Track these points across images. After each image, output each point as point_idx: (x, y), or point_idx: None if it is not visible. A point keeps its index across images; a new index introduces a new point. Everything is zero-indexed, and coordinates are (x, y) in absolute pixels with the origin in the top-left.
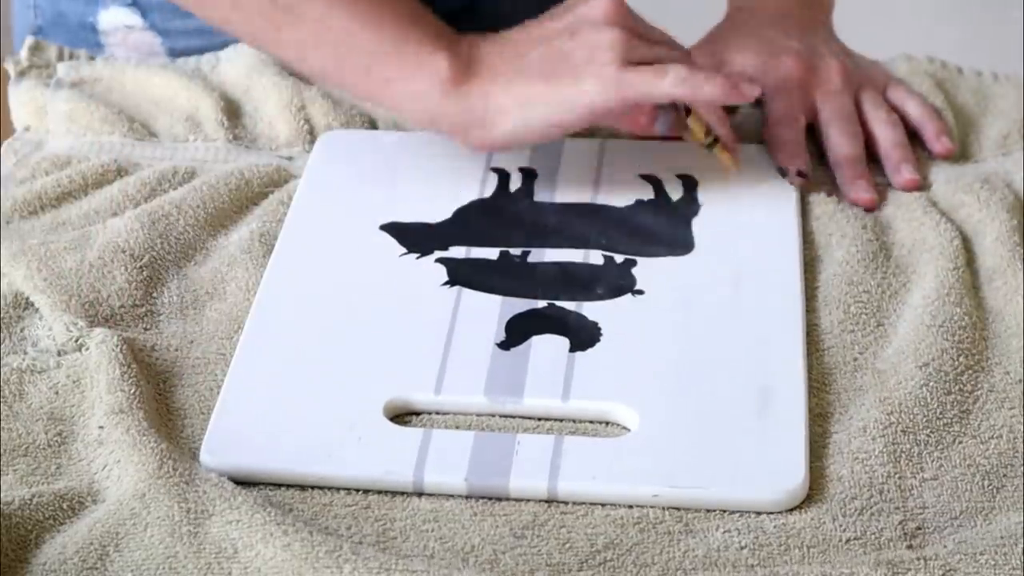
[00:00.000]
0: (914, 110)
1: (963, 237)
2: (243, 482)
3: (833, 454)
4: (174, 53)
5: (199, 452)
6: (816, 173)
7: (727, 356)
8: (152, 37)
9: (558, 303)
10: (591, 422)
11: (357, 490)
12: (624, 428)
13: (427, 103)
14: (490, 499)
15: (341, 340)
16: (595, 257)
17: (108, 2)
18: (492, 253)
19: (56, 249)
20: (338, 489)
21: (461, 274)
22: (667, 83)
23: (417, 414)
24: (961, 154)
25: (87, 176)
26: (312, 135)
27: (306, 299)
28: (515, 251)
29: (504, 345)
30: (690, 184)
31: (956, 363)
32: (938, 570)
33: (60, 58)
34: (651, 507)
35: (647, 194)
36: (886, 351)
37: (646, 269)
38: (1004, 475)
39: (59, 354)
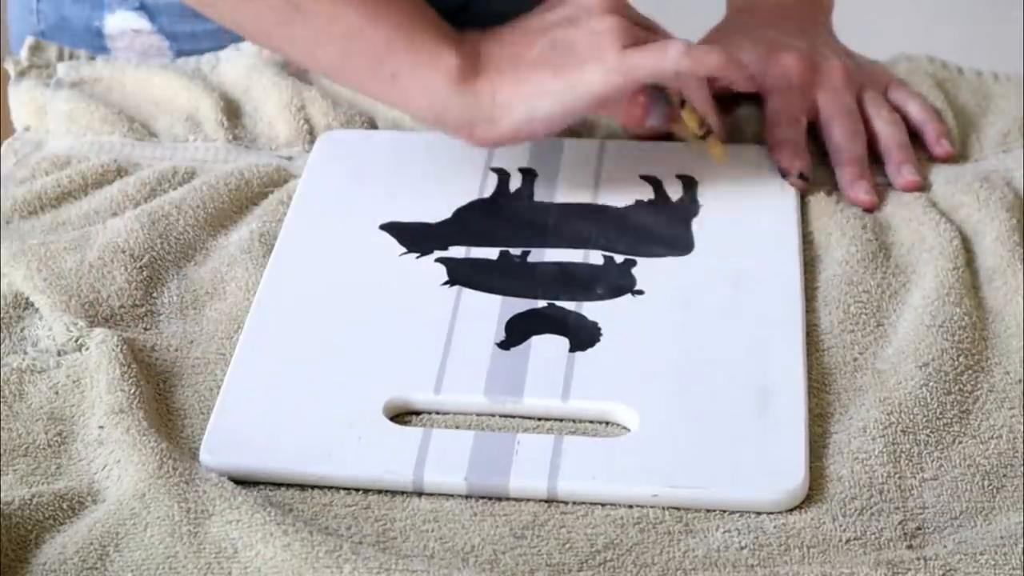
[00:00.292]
0: (915, 111)
1: (963, 237)
2: (243, 482)
3: (833, 454)
4: (182, 57)
5: (199, 452)
6: (816, 173)
7: (727, 356)
8: (160, 41)
9: (558, 303)
10: (591, 422)
11: (357, 490)
12: (624, 428)
13: (435, 99)
14: (490, 499)
15: (341, 340)
16: (595, 257)
17: (115, 6)
18: (492, 253)
19: (56, 249)
20: (338, 489)
21: (461, 274)
22: (670, 58)
23: (417, 414)
24: (961, 154)
25: (87, 176)
26: (312, 135)
27: (306, 299)
28: (515, 251)
29: (504, 345)
30: (690, 184)
31: (956, 363)
32: (938, 570)
33: (60, 58)
34: (651, 507)
35: (647, 194)
36: (886, 351)
37: (646, 269)
38: (1004, 475)
39: (59, 354)
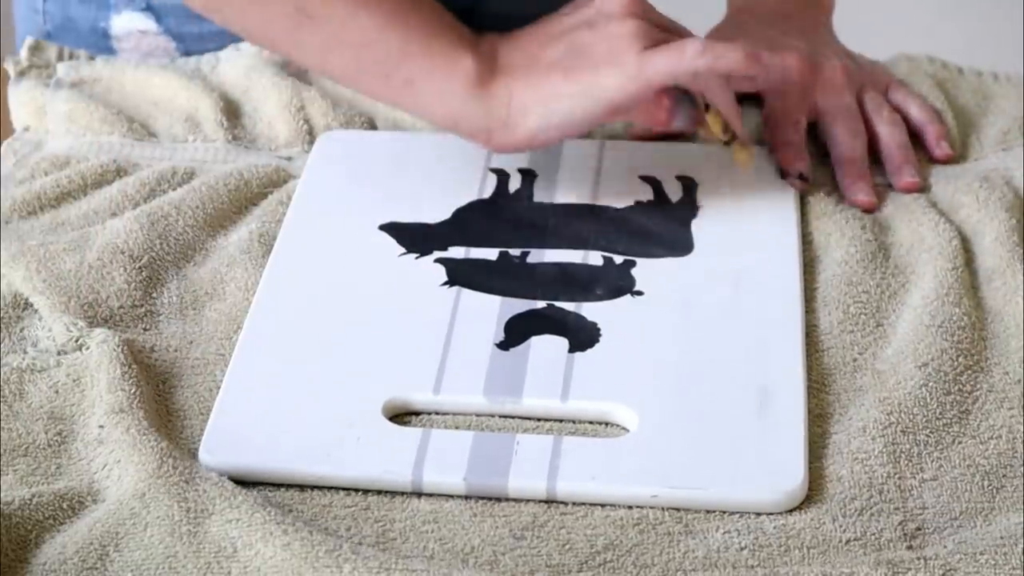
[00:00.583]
0: (915, 112)
1: (962, 237)
2: (242, 482)
3: (833, 454)
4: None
5: (198, 452)
6: (816, 173)
7: (726, 357)
8: (166, 42)
9: (557, 304)
10: (590, 422)
11: (356, 491)
12: (623, 428)
13: (451, 104)
14: (489, 500)
15: (340, 340)
16: (594, 258)
17: (121, 7)
18: (491, 253)
19: (55, 250)
20: (338, 490)
21: (460, 274)
22: (688, 57)
23: (416, 414)
24: (961, 155)
25: (86, 176)
26: (311, 135)
27: (305, 299)
28: (514, 251)
29: (503, 345)
30: (689, 185)
31: (955, 363)
32: (938, 570)
33: (60, 58)
34: (651, 508)
35: (647, 195)
36: (885, 351)
37: (645, 270)
38: (1004, 475)
39: (59, 353)
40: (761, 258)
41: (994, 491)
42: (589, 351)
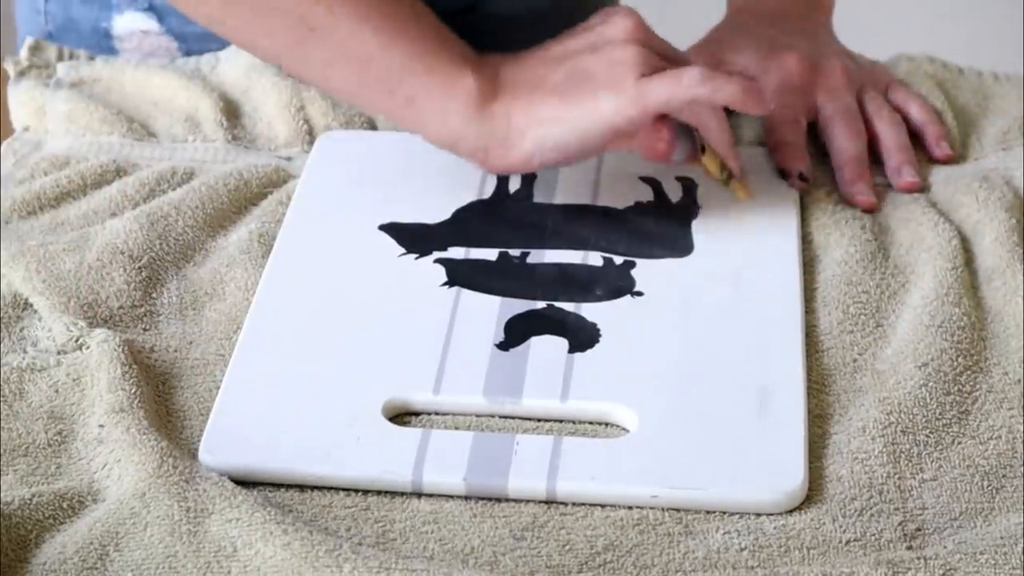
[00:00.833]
0: (916, 112)
1: (962, 237)
2: (242, 482)
3: (832, 455)
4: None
5: (198, 453)
6: (816, 173)
7: (726, 357)
8: (169, 42)
9: (557, 304)
10: (590, 423)
11: (356, 491)
12: (623, 429)
13: (451, 124)
14: (489, 500)
15: (340, 340)
16: (594, 258)
17: (123, 7)
18: (491, 254)
19: (55, 250)
20: (337, 490)
21: (460, 275)
22: (685, 85)
23: (416, 414)
24: (961, 155)
25: (86, 176)
26: (311, 135)
27: (305, 299)
28: (514, 252)
29: (503, 346)
30: (689, 186)
31: (955, 363)
32: (938, 570)
33: (60, 58)
34: (651, 508)
35: (646, 196)
36: (885, 352)
37: (645, 271)
38: (1003, 476)
39: (59, 353)
40: (761, 258)
41: (994, 491)
42: (589, 351)
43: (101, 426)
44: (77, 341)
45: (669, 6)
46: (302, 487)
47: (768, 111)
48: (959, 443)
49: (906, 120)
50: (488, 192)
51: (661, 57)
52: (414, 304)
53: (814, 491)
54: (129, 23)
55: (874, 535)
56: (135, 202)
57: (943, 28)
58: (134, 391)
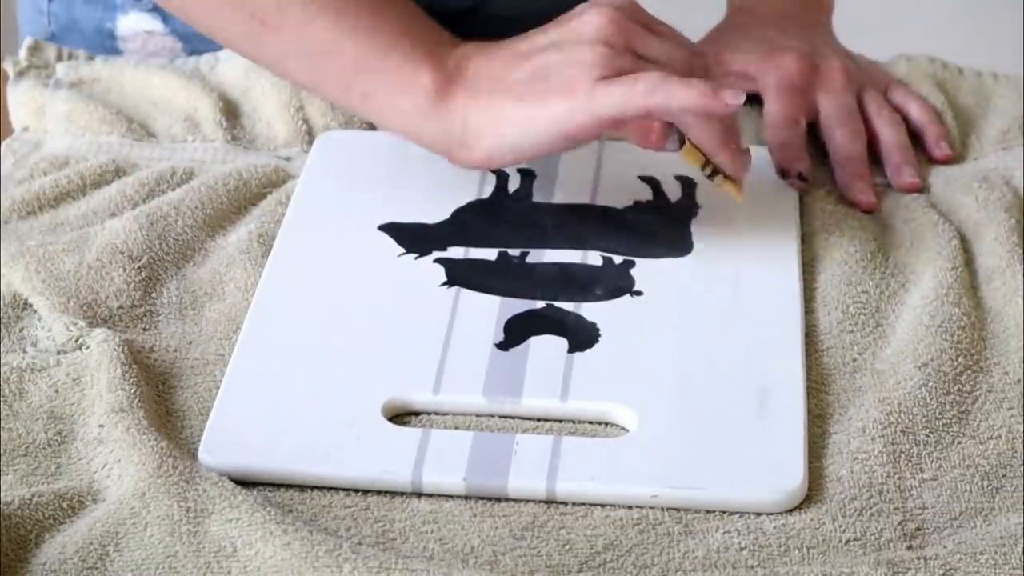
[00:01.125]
0: (915, 112)
1: (962, 237)
2: (242, 482)
3: (832, 455)
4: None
5: (198, 453)
6: (816, 173)
7: (726, 357)
8: (173, 42)
9: (556, 304)
10: (590, 423)
11: (356, 491)
12: (623, 429)
13: (407, 121)
14: (489, 500)
15: (339, 340)
16: (594, 258)
17: (127, 7)
18: (491, 254)
19: (54, 250)
20: (337, 490)
21: (459, 274)
22: (637, 93)
23: (416, 414)
24: (961, 155)
25: (85, 176)
26: (310, 135)
27: (304, 299)
28: (514, 252)
29: (503, 345)
30: (689, 185)
31: (955, 363)
32: (938, 570)
33: (59, 58)
34: (650, 508)
35: (646, 195)
36: (885, 351)
37: (645, 270)
38: (1003, 475)
39: (59, 353)
40: (761, 258)
41: (994, 491)
42: (588, 351)
43: (101, 426)
44: (77, 341)
45: (669, 6)
46: (302, 487)
47: (726, 110)
48: (959, 443)
49: (906, 120)
50: (487, 192)
51: (630, 56)
52: (414, 304)
53: (814, 491)
54: (133, 23)
55: (874, 535)
56: (135, 202)
57: (943, 28)
58: (134, 391)
